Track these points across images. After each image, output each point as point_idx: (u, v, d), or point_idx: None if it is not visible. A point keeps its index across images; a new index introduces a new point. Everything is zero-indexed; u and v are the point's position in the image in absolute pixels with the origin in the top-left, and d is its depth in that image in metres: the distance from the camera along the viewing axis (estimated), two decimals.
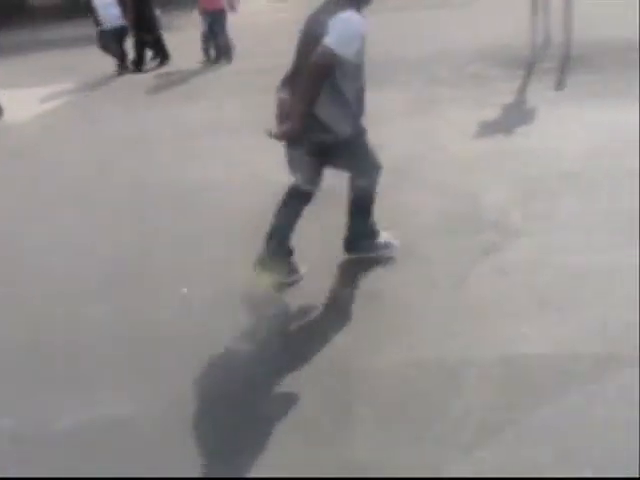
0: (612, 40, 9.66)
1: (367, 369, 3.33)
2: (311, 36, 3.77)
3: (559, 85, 8.04)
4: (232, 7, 12.33)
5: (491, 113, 7.02)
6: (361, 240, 4.37)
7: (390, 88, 8.18)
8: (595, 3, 11.42)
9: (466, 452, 2.74)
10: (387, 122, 6.67)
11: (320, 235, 4.62)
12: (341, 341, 3.58)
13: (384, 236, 4.41)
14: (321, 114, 3.81)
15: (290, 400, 3.18)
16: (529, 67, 8.89)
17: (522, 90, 7.93)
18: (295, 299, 4.06)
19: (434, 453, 2.77)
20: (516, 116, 6.95)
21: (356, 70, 3.86)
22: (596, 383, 3.06)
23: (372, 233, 4.37)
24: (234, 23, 12.56)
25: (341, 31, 3.66)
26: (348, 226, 4.33)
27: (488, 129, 6.53)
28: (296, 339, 3.72)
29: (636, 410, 2.85)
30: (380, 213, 4.36)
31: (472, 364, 3.28)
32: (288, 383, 3.30)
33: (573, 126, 6.32)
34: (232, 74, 11.25)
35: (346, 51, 3.68)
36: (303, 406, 3.14)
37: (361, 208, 4.28)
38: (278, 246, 4.19)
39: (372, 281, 4.14)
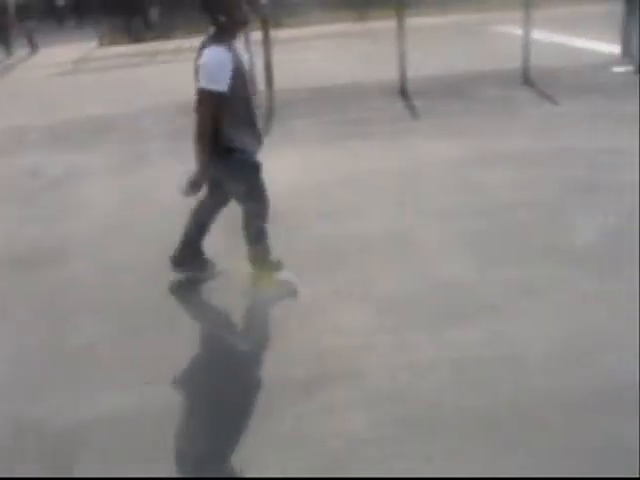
0: (313, 87, 10.54)
1: None
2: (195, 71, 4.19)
3: (265, 132, 8.60)
4: None
5: None
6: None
7: (103, 145, 8.30)
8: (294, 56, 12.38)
9: None
10: (92, 179, 6.79)
11: None
12: None
13: None
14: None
15: None
16: None
17: None
18: None
19: None
20: None
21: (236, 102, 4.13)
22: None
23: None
24: None
25: (207, 69, 4.05)
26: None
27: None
28: None
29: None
30: None
31: None
32: None
33: (275, 170, 6.79)
34: None
35: (216, 85, 4.01)
36: None
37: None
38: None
39: None
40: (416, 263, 4.84)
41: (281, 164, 6.29)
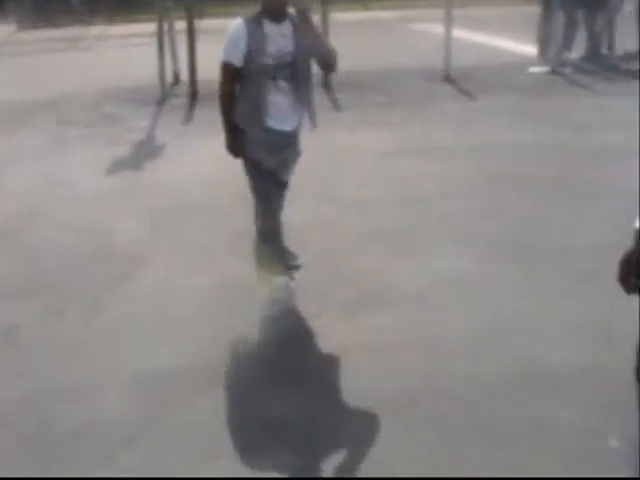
0: None
1: None
2: None
3: (186, 121, 8.60)
4: None
5: (123, 150, 7.29)
6: None
7: (22, 130, 8.10)
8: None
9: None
10: (14, 165, 6.65)
11: None
12: None
13: None
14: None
15: None
16: (159, 105, 9.33)
17: (153, 127, 8.33)
18: None
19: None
20: (146, 151, 7.33)
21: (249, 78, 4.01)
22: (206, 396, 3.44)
23: None
24: None
25: (225, 40, 4.00)
26: None
27: (119, 166, 6.81)
28: None
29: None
30: None
31: (100, 386, 3.49)
32: None
33: (198, 158, 6.83)
34: None
35: (230, 57, 3.96)
36: None
37: None
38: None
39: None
40: (333, 253, 4.91)
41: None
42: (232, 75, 4.03)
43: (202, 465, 2.96)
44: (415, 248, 4.95)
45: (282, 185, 4.27)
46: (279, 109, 4.08)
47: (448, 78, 10.28)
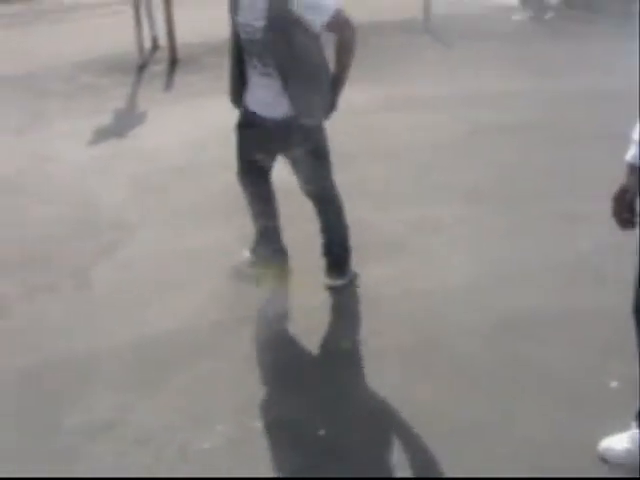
0: (216, 40, 10.36)
1: None
2: None
3: (167, 87, 8.51)
4: None
5: (104, 119, 7.22)
6: None
7: None
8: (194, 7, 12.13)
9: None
10: None
11: None
12: None
13: None
14: None
15: None
16: (139, 72, 9.21)
17: (133, 94, 8.24)
18: None
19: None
20: (128, 119, 7.26)
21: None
22: (222, 348, 3.47)
23: None
24: None
25: None
26: None
27: (101, 135, 6.73)
28: None
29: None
30: None
31: (101, 354, 3.50)
32: None
33: (179, 124, 6.77)
34: None
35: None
36: None
37: None
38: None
39: None
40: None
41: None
42: (233, 27, 3.50)
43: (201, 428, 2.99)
44: (398, 198, 4.95)
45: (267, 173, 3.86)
46: (254, 91, 3.57)
47: (428, 30, 10.19)
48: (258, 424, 3.00)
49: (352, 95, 7.21)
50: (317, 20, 3.29)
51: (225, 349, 3.53)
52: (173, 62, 9.44)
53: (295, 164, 3.67)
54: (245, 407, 3.10)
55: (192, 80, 8.57)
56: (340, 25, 3.33)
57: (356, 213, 4.73)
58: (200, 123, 6.72)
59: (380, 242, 4.39)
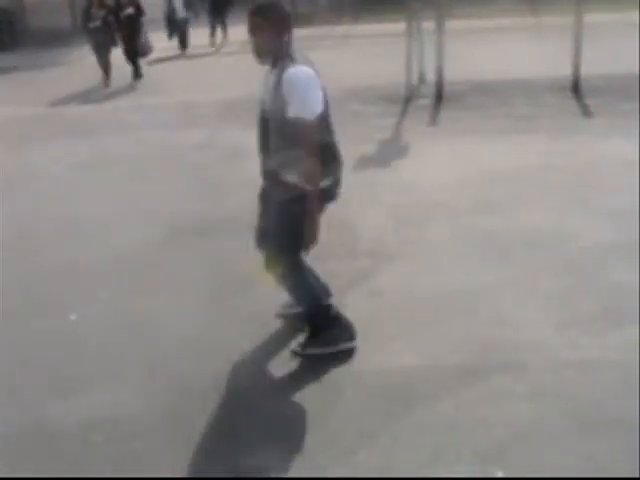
0: (482, 80, 10.35)
1: None
2: None
3: (432, 121, 8.60)
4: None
5: (369, 148, 7.42)
6: None
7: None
8: (465, 48, 12.18)
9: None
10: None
11: None
12: None
13: None
14: None
15: None
16: (404, 104, 9.41)
17: (398, 126, 8.40)
18: None
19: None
20: (392, 150, 7.39)
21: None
22: (464, 389, 3.40)
23: None
24: None
25: None
26: None
27: (366, 163, 6.91)
28: None
29: (500, 411, 3.21)
30: None
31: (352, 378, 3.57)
32: None
33: (441, 160, 6.80)
34: None
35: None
36: None
37: None
38: None
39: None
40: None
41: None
42: None
43: None
44: None
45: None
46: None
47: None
48: None
49: (622, 149, 6.85)
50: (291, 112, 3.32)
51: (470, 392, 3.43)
52: (439, 98, 9.54)
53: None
54: None
55: (458, 117, 8.59)
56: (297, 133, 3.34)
57: None
58: (464, 161, 6.70)
59: None
